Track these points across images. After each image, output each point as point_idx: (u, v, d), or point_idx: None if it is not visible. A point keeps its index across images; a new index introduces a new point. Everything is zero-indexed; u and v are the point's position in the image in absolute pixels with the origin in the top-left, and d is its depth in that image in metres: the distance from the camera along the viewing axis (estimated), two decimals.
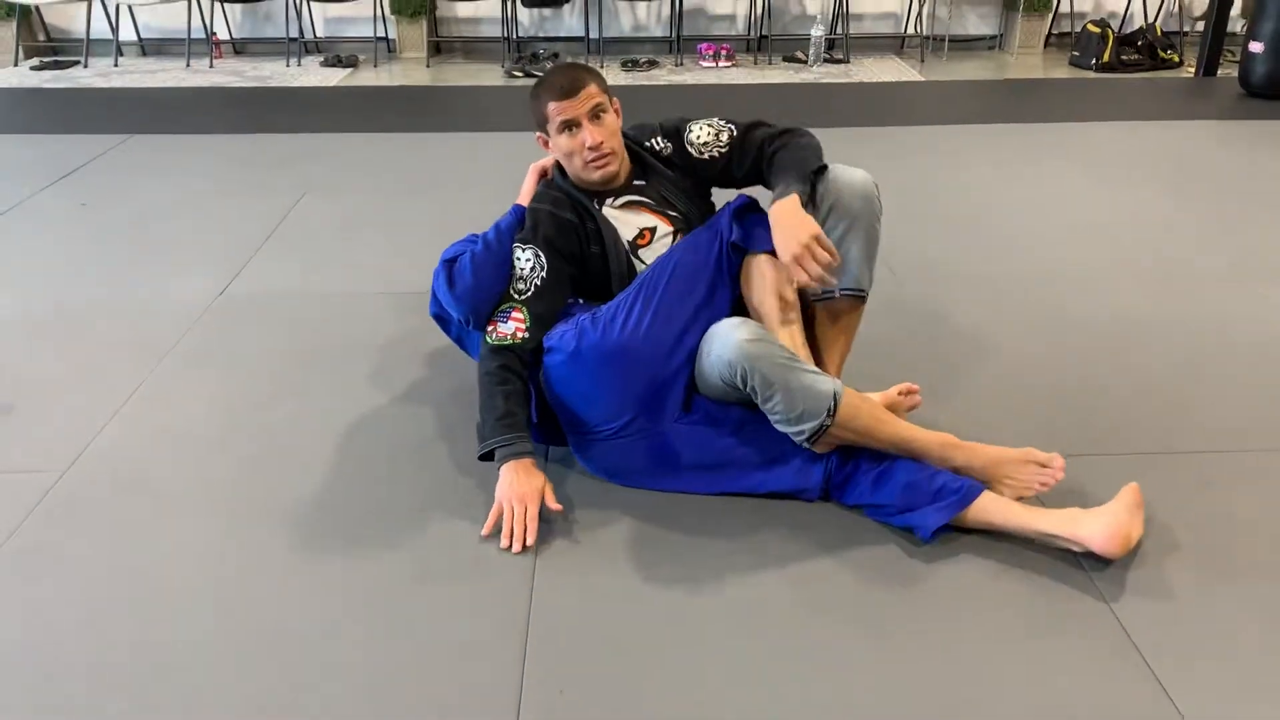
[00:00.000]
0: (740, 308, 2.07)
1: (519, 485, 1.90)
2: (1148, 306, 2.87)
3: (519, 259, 2.08)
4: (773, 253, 2.06)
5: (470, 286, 2.07)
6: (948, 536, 1.87)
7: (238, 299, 2.98)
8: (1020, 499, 1.89)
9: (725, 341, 1.87)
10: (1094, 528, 1.78)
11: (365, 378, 2.51)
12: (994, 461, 1.91)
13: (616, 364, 1.95)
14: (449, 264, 2.13)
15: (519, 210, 2.17)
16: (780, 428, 1.90)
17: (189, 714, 1.52)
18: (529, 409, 2.02)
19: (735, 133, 2.15)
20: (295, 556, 1.87)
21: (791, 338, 2.01)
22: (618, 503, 2.01)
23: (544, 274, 2.06)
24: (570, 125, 2.06)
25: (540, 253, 2.08)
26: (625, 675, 1.60)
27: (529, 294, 2.05)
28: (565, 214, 2.12)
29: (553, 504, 1.91)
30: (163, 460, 2.18)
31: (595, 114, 2.06)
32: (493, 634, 1.68)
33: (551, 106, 2.06)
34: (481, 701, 1.54)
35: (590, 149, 2.06)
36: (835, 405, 1.83)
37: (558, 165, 2.20)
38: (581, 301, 2.14)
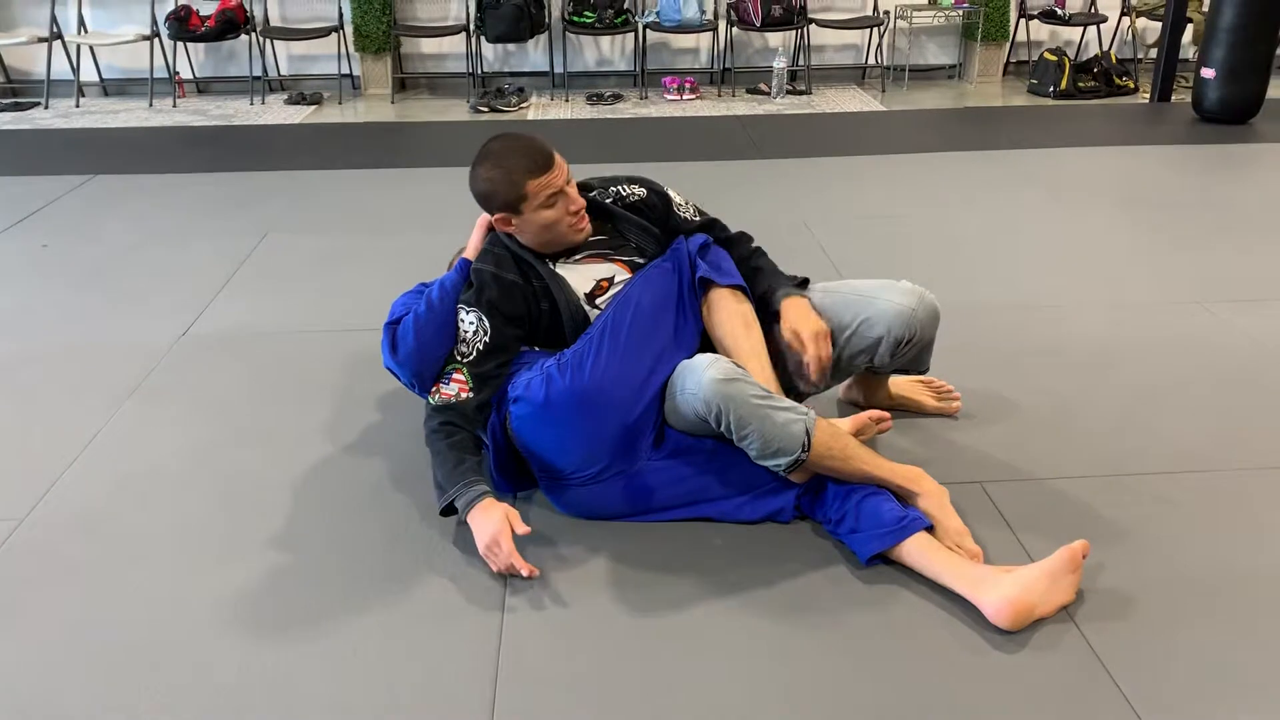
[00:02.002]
0: (705, 341, 2.08)
1: (486, 529, 1.87)
2: (1108, 330, 2.90)
3: (463, 321, 2.05)
4: (738, 287, 2.08)
5: (413, 349, 2.05)
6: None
7: (201, 339, 2.95)
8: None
9: (699, 380, 1.87)
10: (991, 595, 1.73)
11: (329, 418, 2.49)
12: (939, 514, 1.91)
13: (587, 409, 1.94)
14: (392, 326, 2.11)
15: (464, 266, 2.12)
16: (756, 461, 1.91)
17: None
18: (480, 453, 2.01)
19: (702, 214, 2.23)
20: (260, 603, 1.84)
21: (762, 369, 2.02)
22: (586, 536, 2.00)
23: (487, 338, 2.03)
24: (556, 196, 2.04)
25: (484, 316, 2.04)
26: (596, 714, 1.58)
27: (471, 357, 2.02)
28: (509, 275, 2.08)
29: (521, 528, 1.86)
30: (125, 505, 2.14)
31: (568, 179, 2.07)
32: (462, 675, 1.66)
33: (533, 184, 2.01)
34: None
35: (572, 214, 2.06)
36: (809, 442, 1.85)
37: None
38: (537, 349, 2.11)
